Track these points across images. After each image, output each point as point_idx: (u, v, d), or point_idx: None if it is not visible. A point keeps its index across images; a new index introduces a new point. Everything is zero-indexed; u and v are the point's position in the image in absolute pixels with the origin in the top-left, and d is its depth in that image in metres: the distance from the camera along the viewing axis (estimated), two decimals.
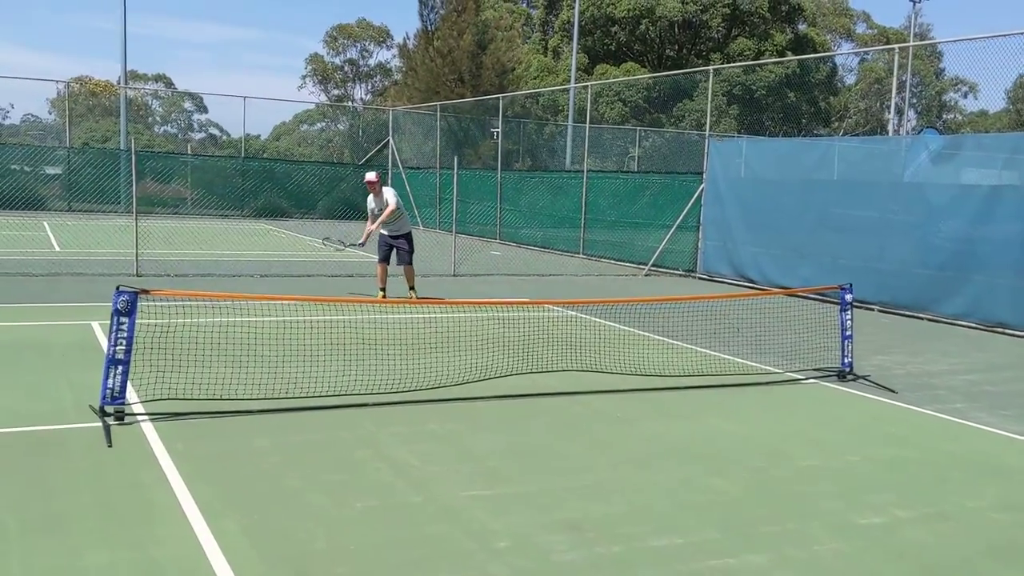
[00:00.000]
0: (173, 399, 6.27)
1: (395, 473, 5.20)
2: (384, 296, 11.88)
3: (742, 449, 6.06)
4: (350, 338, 8.36)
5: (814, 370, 8.69)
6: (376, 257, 12.29)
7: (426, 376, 7.47)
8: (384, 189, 12.19)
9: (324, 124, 62.04)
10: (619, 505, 4.87)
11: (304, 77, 61.46)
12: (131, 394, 6.12)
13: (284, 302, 10.45)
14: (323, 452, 5.52)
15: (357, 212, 27.59)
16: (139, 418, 5.98)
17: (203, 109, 65.45)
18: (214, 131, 64.52)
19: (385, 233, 12.07)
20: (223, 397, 6.42)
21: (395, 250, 12.10)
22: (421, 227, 26.99)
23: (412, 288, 12.23)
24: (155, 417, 6.02)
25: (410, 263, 12.19)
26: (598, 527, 4.53)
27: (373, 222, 12.08)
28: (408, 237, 12.22)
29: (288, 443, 5.66)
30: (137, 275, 13.05)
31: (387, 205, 11.93)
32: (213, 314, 9.55)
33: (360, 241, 12.23)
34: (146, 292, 6.03)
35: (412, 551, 4.14)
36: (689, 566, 4.13)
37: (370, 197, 12.17)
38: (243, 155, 30.62)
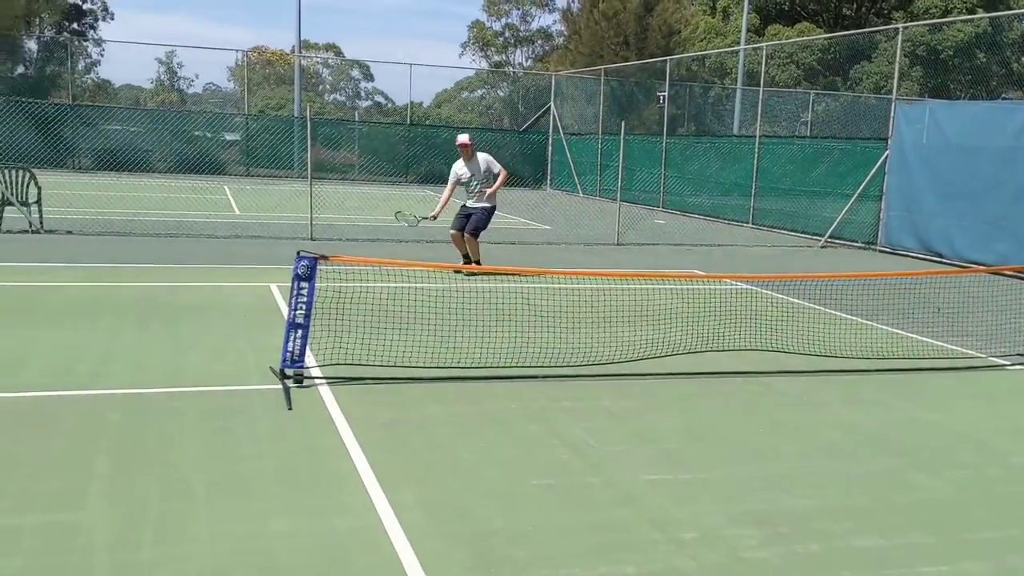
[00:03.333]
0: (349, 364, 6.33)
1: (570, 451, 5.01)
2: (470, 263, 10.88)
3: (946, 442, 5.53)
4: (517, 307, 8.24)
5: (1019, 355, 7.90)
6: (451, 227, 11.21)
7: (596, 350, 7.25)
8: (483, 155, 11.02)
9: (484, 91, 62.48)
10: (812, 499, 4.50)
11: (464, 45, 61.99)
12: (309, 358, 6.20)
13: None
14: (495, 424, 5.40)
15: (517, 179, 27.66)
16: (317, 382, 6.06)
17: (370, 77, 67.26)
18: (379, 99, 66.21)
19: (469, 204, 10.99)
20: (396, 364, 6.43)
21: (468, 217, 10.93)
22: (581, 194, 26.72)
23: (472, 261, 10.99)
24: (332, 381, 6.08)
25: (477, 236, 11.01)
26: (790, 522, 4.19)
27: (452, 190, 10.99)
28: (493, 211, 11.16)
29: (460, 413, 5.57)
30: (311, 239, 13.45)
31: (495, 172, 10.86)
32: (383, 279, 9.66)
33: (433, 214, 11.04)
34: (325, 258, 6.07)
35: (593, 537, 3.93)
36: (899, 571, 3.74)
37: (460, 163, 10.94)
38: (408, 122, 31.16)
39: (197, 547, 3.67)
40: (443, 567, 3.61)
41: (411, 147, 28.23)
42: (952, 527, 4.23)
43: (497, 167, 11.05)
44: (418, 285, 8.80)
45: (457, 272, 10.16)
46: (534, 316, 8.13)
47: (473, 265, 10.81)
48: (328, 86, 67.99)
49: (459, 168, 11.03)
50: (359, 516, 4.03)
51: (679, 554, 3.80)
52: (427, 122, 46.96)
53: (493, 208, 11.14)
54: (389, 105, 61.95)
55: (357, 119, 44.39)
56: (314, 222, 13.94)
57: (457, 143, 11.04)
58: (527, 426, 5.40)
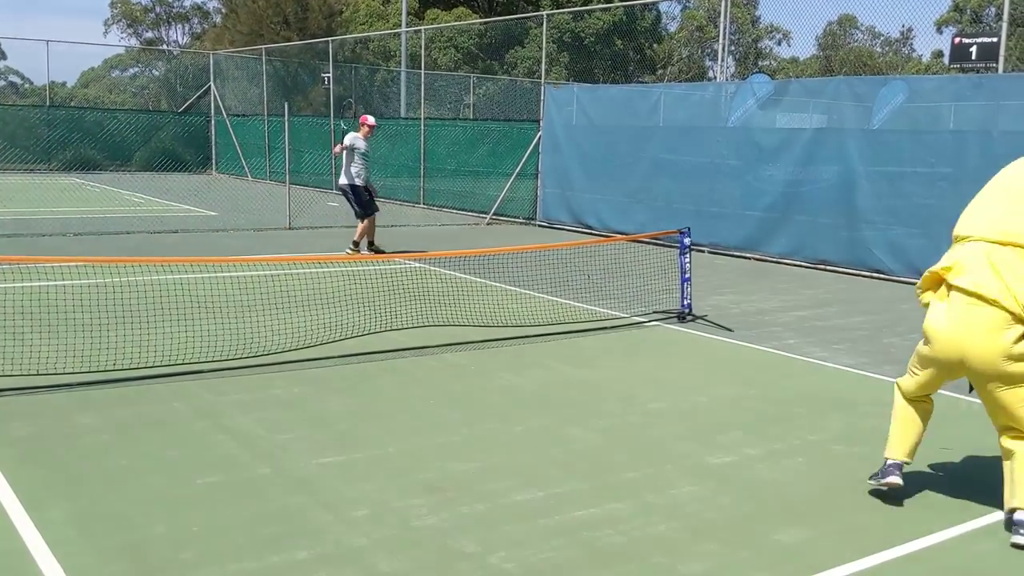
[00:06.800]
0: None
1: (239, 444, 4.86)
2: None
3: (595, 396, 6.08)
4: (180, 300, 7.82)
5: (656, 313, 8.87)
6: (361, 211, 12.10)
7: (268, 338, 7.08)
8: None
9: (138, 69, 58.11)
10: (478, 461, 4.75)
11: (107, 22, 57.24)
12: None
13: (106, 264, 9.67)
14: (156, 426, 5.10)
15: (178, 163, 26.11)
16: None
17: (1, 55, 60.00)
18: (14, 79, 59.26)
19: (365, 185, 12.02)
20: (39, 372, 5.84)
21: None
22: (250, 178, 25.84)
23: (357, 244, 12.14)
24: None
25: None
26: (458, 486, 4.40)
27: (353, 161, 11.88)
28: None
29: (116, 419, 5.19)
30: None
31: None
32: (22, 278, 8.72)
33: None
34: None
35: (263, 528, 3.86)
36: (554, 519, 4.06)
37: (360, 137, 11.94)
38: (48, 104, 28.18)
39: None
40: None
41: (53, 131, 25.55)
42: (600, 472, 4.67)
43: None
44: (63, 283, 8.04)
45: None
46: (198, 308, 7.76)
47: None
48: None
49: (361, 142, 11.99)
50: None
51: (351, 533, 3.85)
52: (72, 103, 42.86)
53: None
54: (27, 86, 55.58)
55: None
56: None
57: (372, 124, 12.26)
58: (192, 424, 5.16)
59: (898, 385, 4.47)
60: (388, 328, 7.60)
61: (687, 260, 8.69)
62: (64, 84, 54.20)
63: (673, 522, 4.09)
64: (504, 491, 4.36)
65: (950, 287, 4.10)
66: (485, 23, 34.06)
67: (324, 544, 3.73)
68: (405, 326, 7.72)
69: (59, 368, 5.94)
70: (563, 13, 32.48)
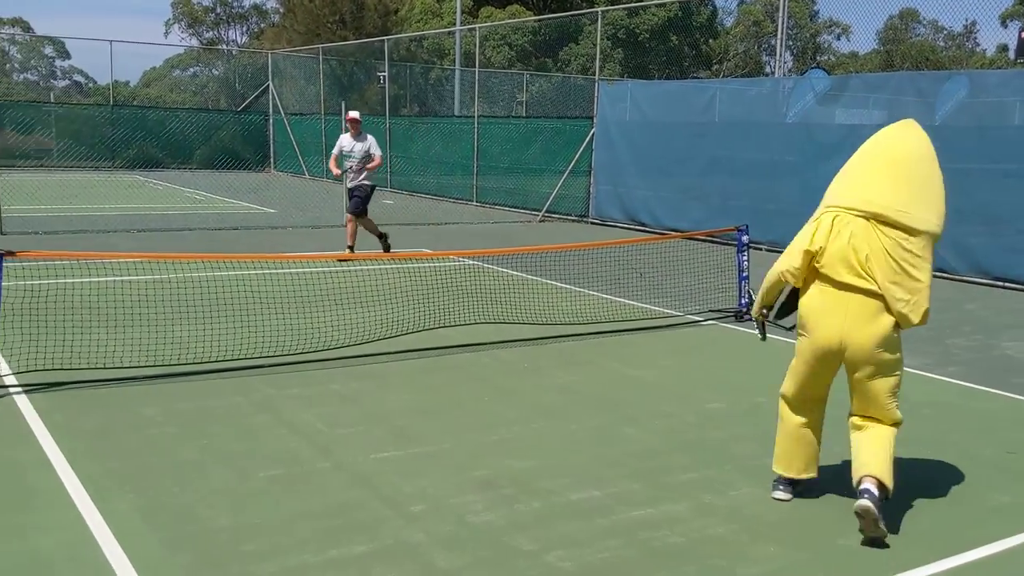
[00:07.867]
0: (49, 369, 5.81)
1: (299, 438, 4.93)
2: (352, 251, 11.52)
3: (651, 395, 6.04)
4: (239, 295, 7.95)
5: (712, 311, 8.78)
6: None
7: (326, 334, 7.17)
8: (372, 137, 11.64)
9: (197, 69, 59.27)
10: (534, 459, 4.75)
11: (168, 22, 58.40)
12: (1, 365, 5.62)
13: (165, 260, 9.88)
14: (219, 420, 5.19)
15: (238, 161, 26.57)
16: (11, 391, 5.51)
17: (65, 55, 61.69)
18: (79, 78, 60.92)
19: (350, 184, 11.57)
20: (105, 365, 5.98)
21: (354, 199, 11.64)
22: (308, 176, 26.19)
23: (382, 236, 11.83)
24: (30, 389, 5.55)
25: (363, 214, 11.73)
26: (514, 483, 4.41)
27: (338, 165, 11.49)
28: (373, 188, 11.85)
29: (180, 411, 5.30)
30: (1, 233, 12.14)
31: (375, 156, 11.44)
32: (89, 274, 8.94)
33: (337, 173, 11.64)
34: (11, 254, 5.51)
35: (324, 521, 3.91)
36: (610, 519, 4.05)
37: (346, 137, 11.48)
38: (112, 103, 28.88)
39: None
40: (162, 572, 3.43)
41: (117, 130, 26.17)
42: (657, 473, 4.64)
43: (378, 151, 11.57)
44: (128, 278, 8.24)
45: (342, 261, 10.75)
46: (258, 303, 7.88)
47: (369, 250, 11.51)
48: (17, 65, 61.40)
49: (345, 143, 11.51)
50: (66, 531, 3.73)
51: (409, 528, 3.88)
52: (135, 102, 43.84)
53: (373, 187, 11.77)
54: (91, 85, 57.10)
55: (53, 100, 40.44)
56: (3, 214, 12.59)
57: (348, 118, 11.65)
58: (254, 418, 5.25)
59: (781, 395, 4.41)
60: (443, 325, 7.64)
61: (745, 258, 8.59)
62: (127, 83, 55.57)
63: (732, 524, 4.05)
64: (560, 489, 4.35)
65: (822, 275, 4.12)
66: (539, 20, 34.02)
67: (382, 538, 3.77)
68: (459, 323, 7.75)
69: (125, 362, 6.09)
70: (618, 9, 32.28)
